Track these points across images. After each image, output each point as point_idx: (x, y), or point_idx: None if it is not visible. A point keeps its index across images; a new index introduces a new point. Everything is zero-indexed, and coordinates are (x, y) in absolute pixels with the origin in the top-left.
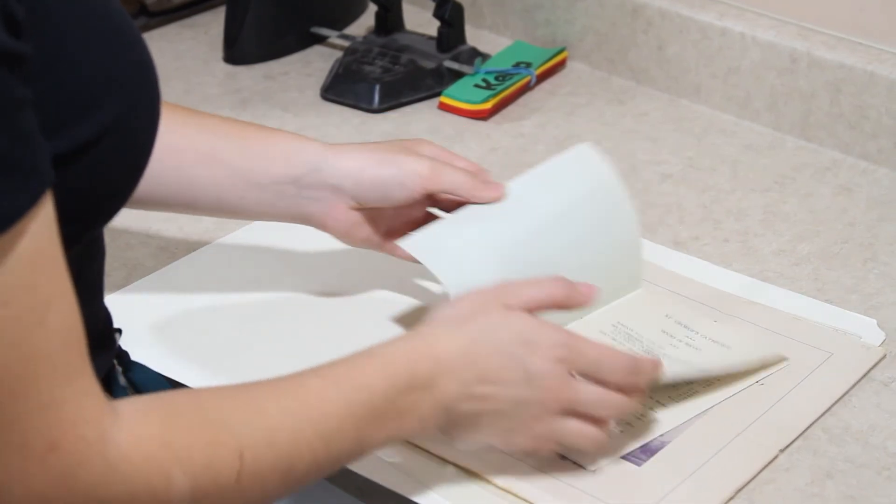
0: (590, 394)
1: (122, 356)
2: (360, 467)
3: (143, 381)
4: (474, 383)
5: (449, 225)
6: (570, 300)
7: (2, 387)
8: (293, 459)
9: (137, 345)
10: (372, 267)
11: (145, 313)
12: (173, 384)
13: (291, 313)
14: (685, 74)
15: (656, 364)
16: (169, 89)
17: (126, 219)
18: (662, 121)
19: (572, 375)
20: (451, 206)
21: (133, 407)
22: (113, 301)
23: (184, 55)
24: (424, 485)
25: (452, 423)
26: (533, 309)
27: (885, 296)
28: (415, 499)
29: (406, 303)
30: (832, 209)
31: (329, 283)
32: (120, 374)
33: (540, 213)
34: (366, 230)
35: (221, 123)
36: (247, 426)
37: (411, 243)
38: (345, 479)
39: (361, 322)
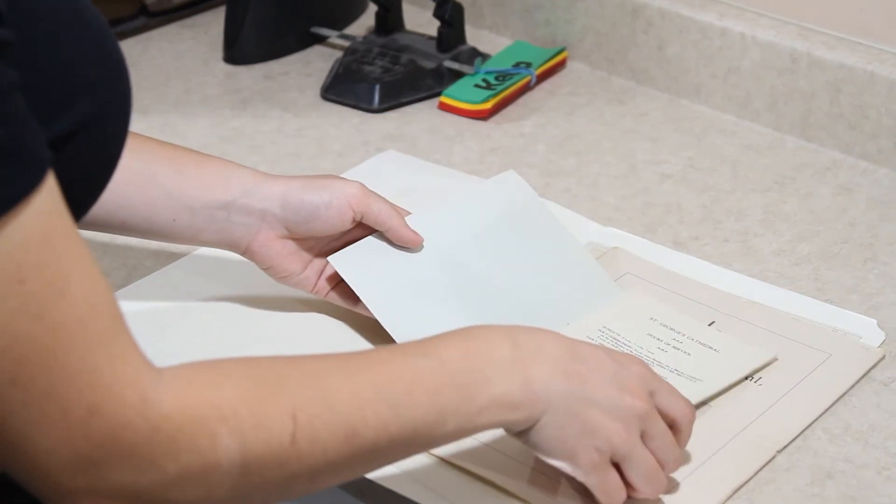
0: (663, 428)
1: None
2: None
3: None
4: (568, 360)
5: (380, 255)
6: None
7: (33, 358)
8: (356, 423)
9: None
10: None
11: (144, 313)
12: None
13: (291, 314)
14: (685, 74)
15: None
16: (169, 89)
17: None
18: (662, 121)
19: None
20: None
21: (178, 369)
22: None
23: (184, 55)
24: (425, 485)
25: (542, 403)
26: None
27: (885, 296)
28: (415, 499)
29: None
30: (832, 209)
31: None
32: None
33: (468, 240)
34: (294, 264)
35: (157, 146)
36: (301, 386)
37: (338, 260)
38: None
39: (362, 323)
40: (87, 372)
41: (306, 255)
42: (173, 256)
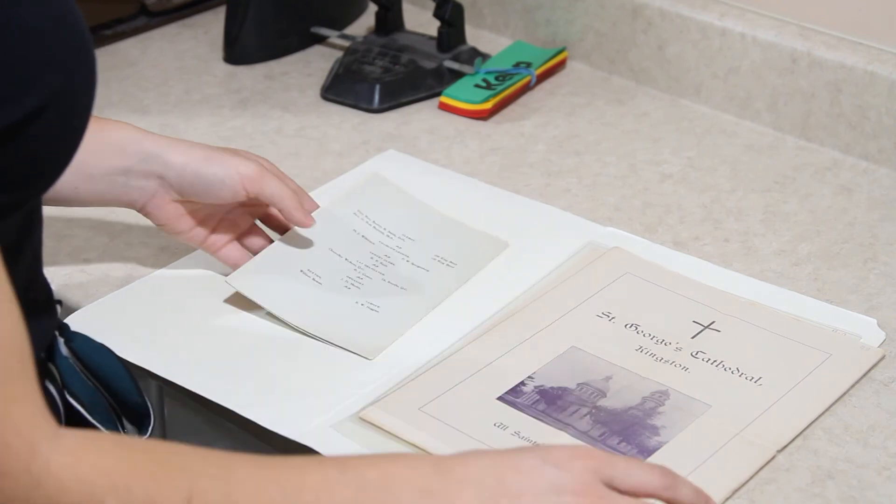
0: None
1: (64, 328)
2: None
3: (86, 350)
4: (496, 484)
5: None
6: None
7: None
8: None
9: (135, 344)
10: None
11: (143, 313)
12: (123, 362)
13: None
14: (685, 74)
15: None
16: (169, 89)
17: (126, 219)
18: (663, 121)
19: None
20: (276, 224)
21: (79, 433)
22: (111, 300)
23: (184, 55)
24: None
25: None
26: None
27: (885, 296)
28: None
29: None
30: (832, 209)
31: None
32: (62, 345)
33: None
34: (185, 223)
35: None
36: (202, 474)
37: (236, 279)
38: None
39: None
40: None
41: (199, 216)
42: (173, 256)
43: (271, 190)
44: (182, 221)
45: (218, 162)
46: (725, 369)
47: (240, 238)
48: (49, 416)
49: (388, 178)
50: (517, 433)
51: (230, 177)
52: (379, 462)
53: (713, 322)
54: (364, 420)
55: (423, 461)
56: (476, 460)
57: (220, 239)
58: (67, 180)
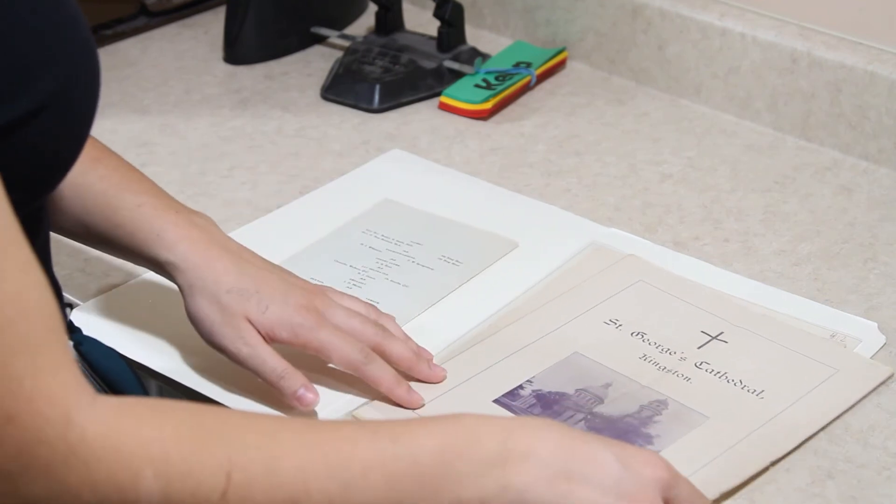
0: None
1: (74, 331)
2: None
3: (96, 356)
4: (560, 463)
5: None
6: None
7: None
8: (298, 496)
9: (135, 341)
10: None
11: (143, 311)
12: (127, 361)
13: None
14: (685, 74)
15: None
16: (169, 89)
17: None
18: (663, 121)
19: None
20: None
21: (115, 399)
22: (111, 298)
23: (184, 55)
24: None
25: None
26: None
27: (885, 296)
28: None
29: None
30: (832, 209)
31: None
32: (72, 348)
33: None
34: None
35: (110, 180)
36: (244, 444)
37: None
38: None
39: None
40: (8, 379)
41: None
42: None
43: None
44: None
45: (230, 325)
46: (728, 381)
47: None
48: (84, 384)
49: (398, 201)
50: None
51: (235, 347)
52: (437, 430)
53: (721, 333)
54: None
55: (487, 427)
56: (547, 433)
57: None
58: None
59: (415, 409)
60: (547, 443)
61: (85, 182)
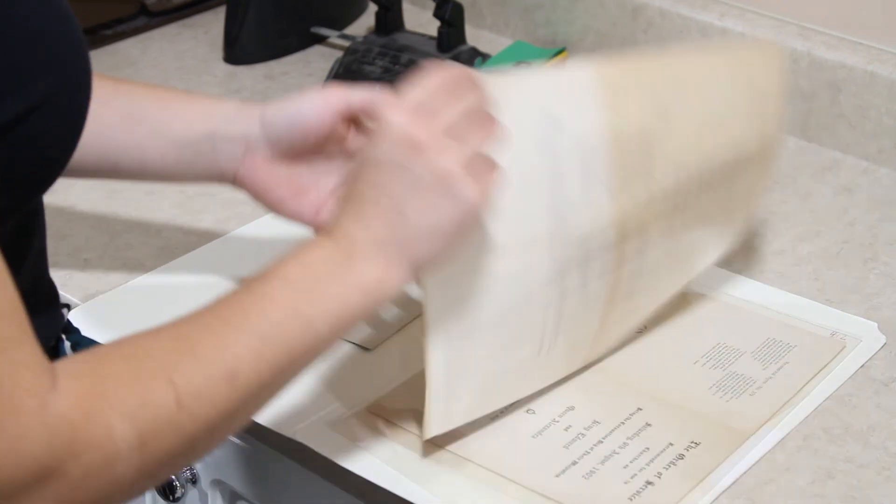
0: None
1: (70, 331)
2: (361, 468)
3: None
4: (370, 194)
5: None
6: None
7: None
8: (231, 366)
9: None
10: None
11: (143, 311)
12: None
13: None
14: None
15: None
16: None
17: (126, 219)
18: None
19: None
20: None
21: (66, 366)
22: (110, 298)
23: (184, 55)
24: (424, 486)
25: (398, 239)
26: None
27: (885, 296)
28: (414, 500)
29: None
30: (832, 209)
31: None
32: (68, 348)
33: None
34: (283, 189)
35: (138, 86)
36: (168, 351)
37: None
38: (345, 480)
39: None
40: None
41: (298, 182)
42: (173, 256)
43: (359, 95)
44: (280, 186)
45: (296, 97)
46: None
47: None
48: (46, 363)
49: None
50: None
51: (315, 101)
52: (290, 257)
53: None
54: (371, 413)
55: (319, 237)
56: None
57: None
58: (153, 150)
59: None
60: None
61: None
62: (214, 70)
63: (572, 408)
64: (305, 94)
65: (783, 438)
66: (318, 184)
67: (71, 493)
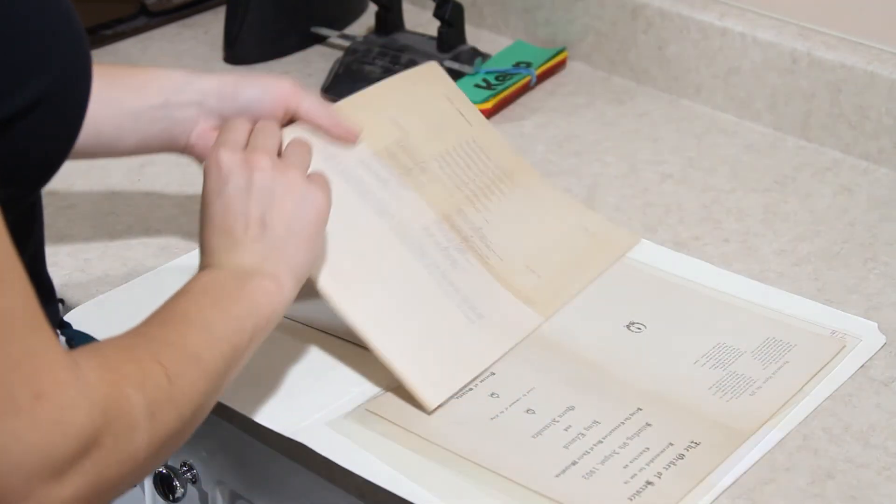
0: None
1: (65, 326)
2: (361, 468)
3: None
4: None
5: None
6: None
7: None
8: (196, 351)
9: None
10: None
11: (142, 310)
12: None
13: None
14: (686, 74)
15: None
16: None
17: (126, 219)
18: (663, 121)
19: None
20: None
21: (80, 351)
22: (110, 298)
23: (184, 55)
24: (423, 486)
25: (271, 253)
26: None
27: (885, 296)
28: (414, 500)
29: None
30: (832, 209)
31: None
32: (63, 343)
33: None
34: None
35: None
36: (150, 339)
37: None
38: (345, 480)
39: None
40: (30, 356)
41: None
42: (173, 256)
43: (308, 104)
44: None
45: (253, 81)
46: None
47: None
48: (70, 355)
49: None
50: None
51: (268, 92)
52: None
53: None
54: (370, 412)
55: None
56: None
57: None
58: (108, 121)
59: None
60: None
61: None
62: (214, 70)
63: (572, 408)
64: (262, 80)
65: (783, 438)
66: None
67: (106, 466)
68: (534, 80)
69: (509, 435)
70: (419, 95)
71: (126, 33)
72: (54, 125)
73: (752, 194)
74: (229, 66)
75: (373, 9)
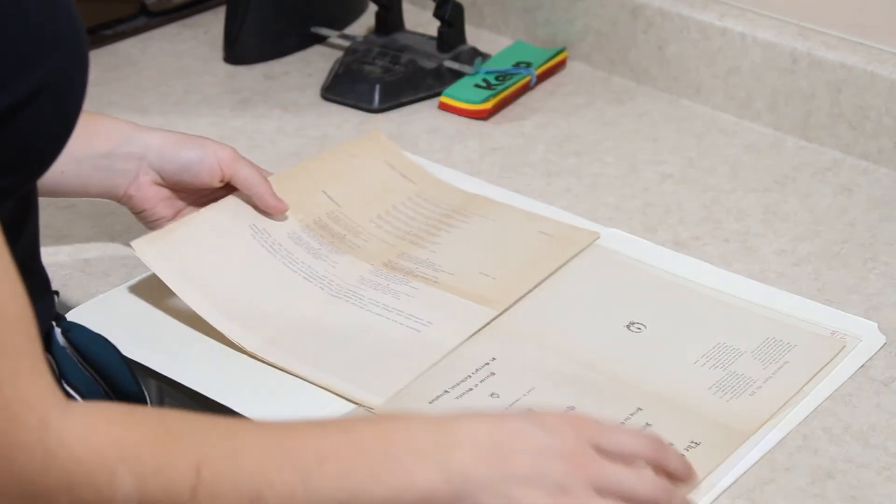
0: (613, 472)
1: (60, 318)
2: None
3: (83, 340)
4: (490, 442)
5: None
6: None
7: None
8: (261, 487)
9: (134, 341)
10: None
11: (142, 310)
12: (125, 359)
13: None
14: (686, 74)
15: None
16: (169, 89)
17: (126, 219)
18: (663, 121)
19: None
20: None
21: (88, 405)
22: (110, 298)
23: (184, 55)
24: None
25: (462, 493)
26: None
27: (885, 296)
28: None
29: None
30: (832, 209)
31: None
32: (59, 335)
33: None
34: (166, 209)
35: None
36: (209, 441)
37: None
38: None
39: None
40: None
41: (178, 203)
42: None
43: (245, 173)
44: (162, 206)
45: (195, 143)
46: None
47: None
48: (57, 390)
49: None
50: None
51: (207, 157)
52: (379, 424)
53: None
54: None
55: (422, 422)
56: (473, 422)
57: None
58: (55, 165)
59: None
60: (473, 430)
61: None
62: (214, 70)
63: (572, 408)
64: (204, 144)
65: (783, 438)
66: (194, 205)
67: None
68: (534, 80)
69: None
70: (355, 165)
71: (126, 33)
72: (54, 114)
73: (752, 194)
74: (229, 66)
75: (373, 9)
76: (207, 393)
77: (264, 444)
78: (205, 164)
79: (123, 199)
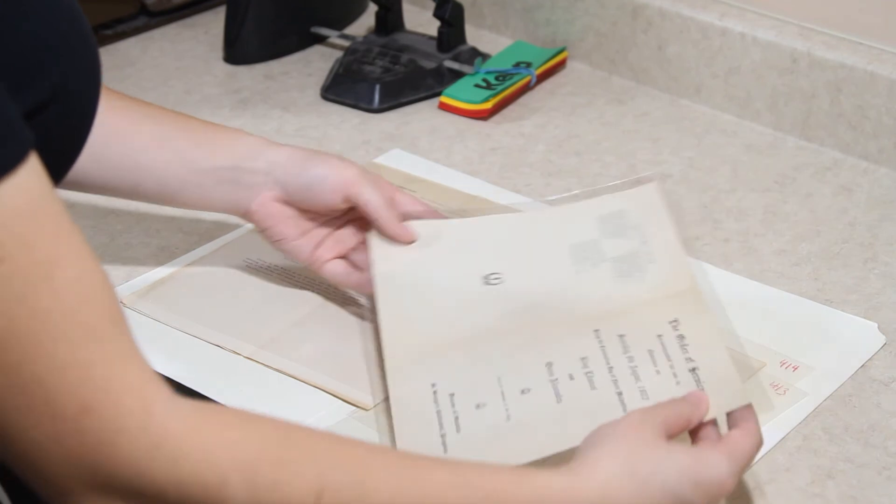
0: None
1: None
2: None
3: None
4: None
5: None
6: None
7: (15, 343)
8: None
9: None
10: None
11: (140, 311)
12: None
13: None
14: (686, 74)
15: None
16: (169, 89)
17: (126, 219)
18: (663, 121)
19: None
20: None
21: (199, 402)
22: None
23: (184, 55)
24: None
25: None
26: (674, 433)
27: (885, 296)
28: None
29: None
30: (832, 209)
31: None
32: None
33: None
34: (291, 229)
35: (166, 112)
36: (336, 467)
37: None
38: None
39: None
40: (79, 368)
41: (304, 224)
42: (173, 256)
43: (367, 198)
44: (286, 225)
45: (321, 161)
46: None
47: (346, 255)
48: (160, 380)
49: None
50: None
51: (332, 176)
52: (523, 478)
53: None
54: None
55: (559, 476)
56: (620, 480)
57: (325, 253)
58: (175, 174)
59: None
60: (617, 484)
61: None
62: (214, 70)
63: (550, 364)
64: (330, 161)
65: (783, 438)
66: (319, 227)
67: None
68: (534, 80)
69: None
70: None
71: (126, 33)
72: (66, 122)
73: (752, 194)
74: (229, 66)
75: (373, 9)
76: (214, 397)
77: (397, 481)
78: (328, 182)
79: (247, 215)
